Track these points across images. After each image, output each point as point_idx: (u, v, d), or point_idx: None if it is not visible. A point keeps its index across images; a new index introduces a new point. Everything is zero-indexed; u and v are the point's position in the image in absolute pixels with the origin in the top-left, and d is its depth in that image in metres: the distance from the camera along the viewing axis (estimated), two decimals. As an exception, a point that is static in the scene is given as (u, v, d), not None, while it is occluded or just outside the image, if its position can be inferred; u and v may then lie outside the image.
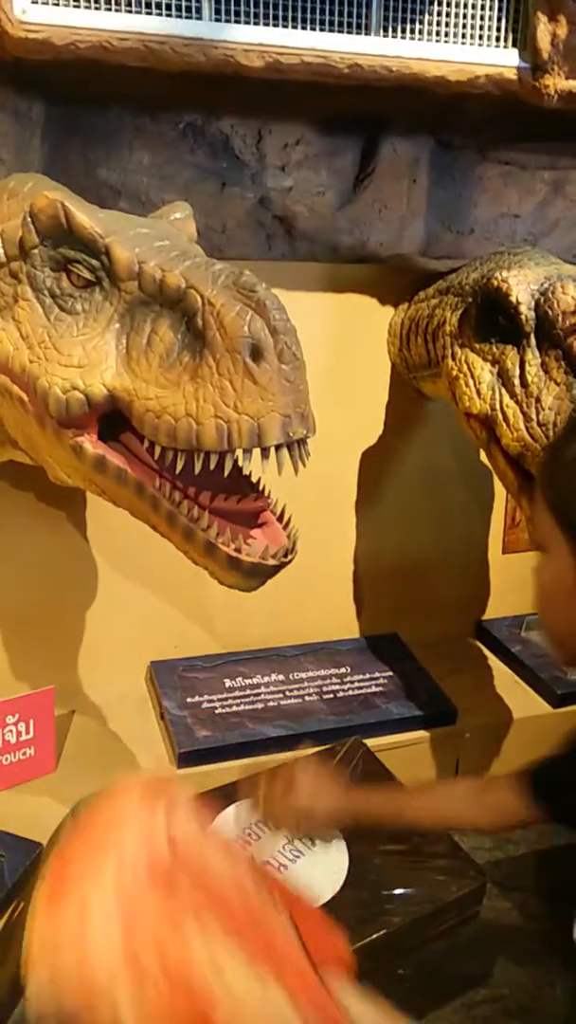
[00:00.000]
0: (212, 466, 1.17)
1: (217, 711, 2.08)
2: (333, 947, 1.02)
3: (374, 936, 1.37)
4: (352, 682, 2.25)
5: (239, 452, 1.16)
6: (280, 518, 1.31)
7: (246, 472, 1.29)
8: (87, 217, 1.27)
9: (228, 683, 2.19)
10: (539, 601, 1.23)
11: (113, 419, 1.28)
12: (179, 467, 1.19)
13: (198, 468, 1.17)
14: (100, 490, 1.37)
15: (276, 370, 1.12)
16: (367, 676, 2.28)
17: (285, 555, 1.25)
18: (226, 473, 1.19)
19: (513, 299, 1.66)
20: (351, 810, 1.50)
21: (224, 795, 1.70)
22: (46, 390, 1.26)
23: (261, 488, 1.32)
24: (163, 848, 0.87)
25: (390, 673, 2.29)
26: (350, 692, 2.20)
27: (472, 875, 1.56)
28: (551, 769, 1.41)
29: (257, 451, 1.16)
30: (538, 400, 1.63)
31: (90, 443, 1.28)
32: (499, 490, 2.48)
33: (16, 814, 1.76)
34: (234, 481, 1.27)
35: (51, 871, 0.88)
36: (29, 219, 1.30)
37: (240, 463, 1.21)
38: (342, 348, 2.24)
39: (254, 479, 1.32)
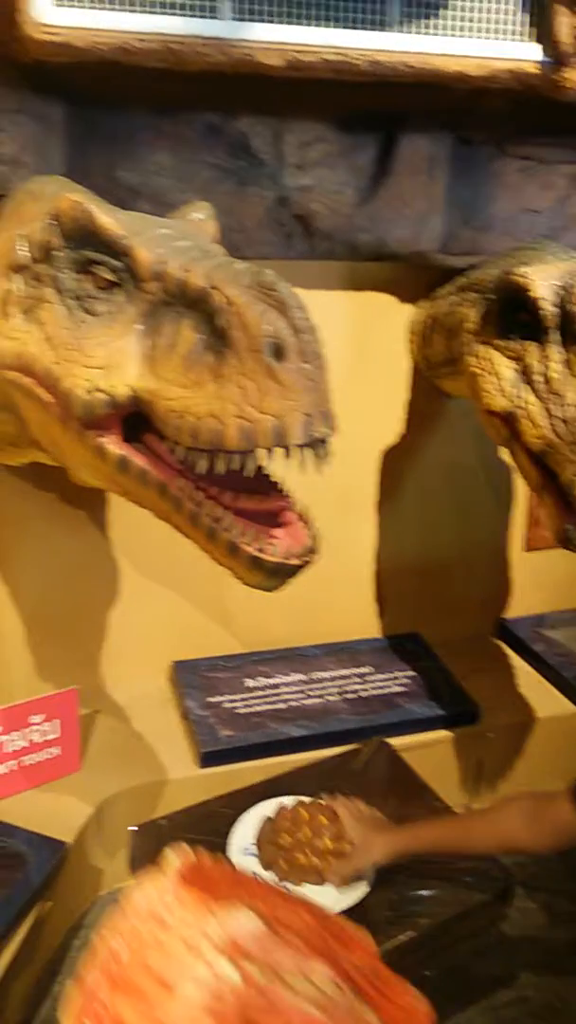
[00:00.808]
0: (235, 466, 1.17)
1: (239, 711, 2.08)
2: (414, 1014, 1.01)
3: (402, 938, 1.37)
4: (373, 682, 2.24)
5: (261, 452, 1.15)
6: (302, 518, 1.30)
7: (267, 472, 1.28)
8: (109, 218, 1.28)
9: (249, 683, 2.20)
10: None
11: (136, 420, 1.27)
12: (202, 467, 1.19)
13: (220, 468, 1.17)
14: (123, 491, 1.37)
15: (298, 369, 1.12)
16: (388, 676, 2.27)
17: (307, 555, 1.24)
18: (248, 473, 1.18)
19: (535, 295, 1.65)
20: (405, 850, 1.46)
21: (250, 795, 1.70)
22: (69, 391, 1.27)
23: (282, 488, 1.32)
24: (228, 972, 0.83)
25: (412, 673, 2.29)
26: (371, 692, 2.20)
27: (499, 877, 1.55)
28: None
29: (279, 451, 1.16)
30: (561, 396, 1.61)
31: (113, 444, 1.28)
32: (521, 487, 2.47)
33: (42, 813, 1.78)
34: (256, 481, 1.27)
35: (86, 989, 0.83)
36: (52, 221, 1.30)
37: (262, 463, 1.20)
38: (362, 346, 2.24)
39: (275, 479, 1.32)
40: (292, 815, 1.62)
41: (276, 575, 1.23)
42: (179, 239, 1.31)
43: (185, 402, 1.16)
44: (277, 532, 1.25)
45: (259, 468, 1.22)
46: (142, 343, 1.24)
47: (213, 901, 1.04)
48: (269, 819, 1.64)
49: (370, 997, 1.00)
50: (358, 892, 1.47)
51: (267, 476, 1.30)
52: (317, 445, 1.17)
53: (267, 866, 1.55)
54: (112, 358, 1.25)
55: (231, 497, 1.26)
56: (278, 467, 1.23)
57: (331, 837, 1.55)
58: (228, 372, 1.12)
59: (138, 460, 1.28)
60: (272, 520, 1.28)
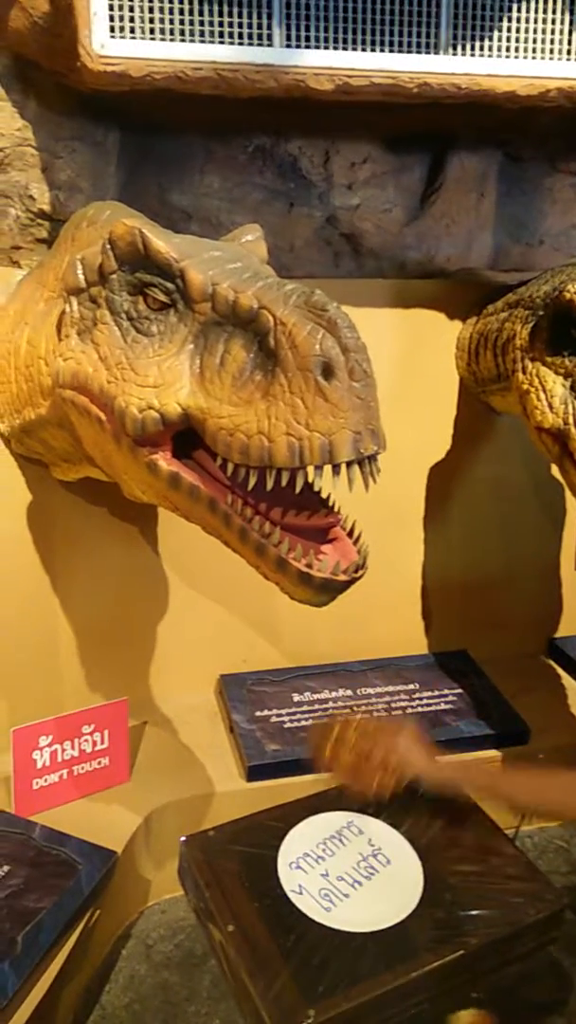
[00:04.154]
0: (284, 483, 1.19)
1: (286, 725, 2.09)
2: None
3: (450, 957, 1.35)
4: (421, 699, 2.22)
5: (310, 469, 1.17)
6: (350, 534, 1.31)
7: (316, 488, 1.30)
8: (163, 242, 1.31)
9: (296, 697, 2.20)
10: None
11: (186, 437, 1.31)
12: (251, 484, 1.21)
13: (270, 485, 1.19)
14: (173, 506, 1.40)
15: (347, 388, 1.13)
16: (436, 693, 2.25)
17: (356, 571, 1.25)
18: (297, 490, 1.20)
19: (586, 311, 1.64)
20: (452, 778, 1.52)
21: (300, 809, 1.70)
22: (123, 409, 1.30)
23: (331, 504, 1.33)
24: None
25: (459, 690, 2.26)
26: (419, 709, 2.18)
27: (550, 899, 1.53)
28: None
29: (328, 468, 1.17)
30: (613, 413, 1.60)
31: (164, 460, 1.31)
32: (571, 505, 2.44)
33: (91, 823, 1.80)
34: (304, 497, 1.28)
35: None
36: (108, 245, 1.35)
37: (311, 480, 1.22)
38: (410, 364, 2.24)
39: (324, 495, 1.33)
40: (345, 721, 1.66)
41: (324, 590, 1.24)
42: (230, 261, 1.34)
43: (235, 420, 1.18)
44: (325, 548, 1.27)
45: (308, 485, 1.24)
46: (194, 362, 1.27)
47: None
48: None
49: None
50: (406, 909, 1.46)
51: (316, 493, 1.31)
52: (366, 462, 1.17)
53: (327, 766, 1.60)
54: (164, 377, 1.28)
55: (280, 513, 1.27)
56: (327, 484, 1.23)
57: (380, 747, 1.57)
58: (278, 391, 1.14)
59: (188, 476, 1.30)
60: (321, 536, 1.30)
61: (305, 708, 2.16)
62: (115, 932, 1.82)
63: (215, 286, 1.25)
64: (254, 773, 1.94)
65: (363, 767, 1.56)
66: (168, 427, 1.28)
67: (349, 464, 1.16)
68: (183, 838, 1.62)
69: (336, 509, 1.33)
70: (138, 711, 2.06)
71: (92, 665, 2.14)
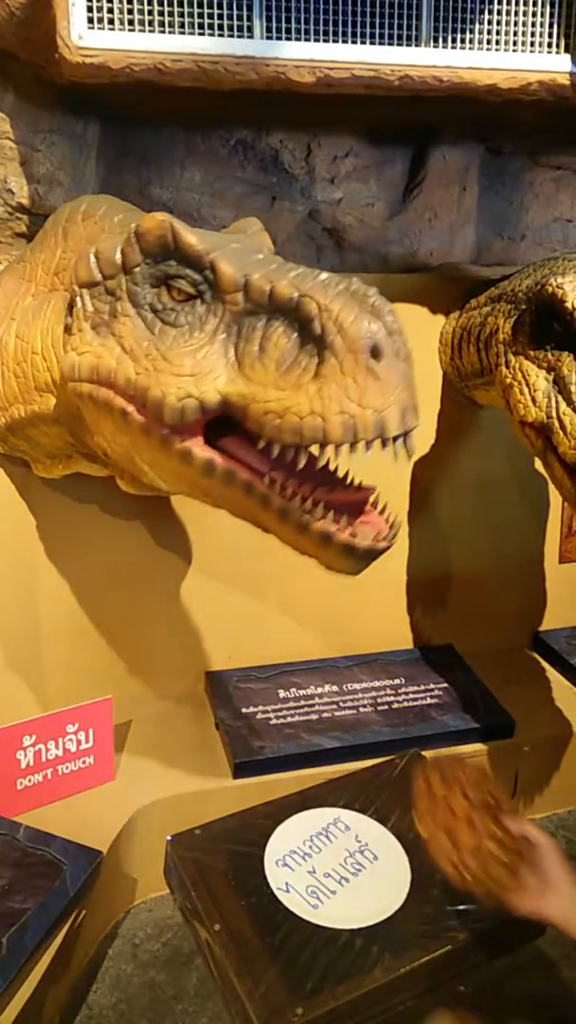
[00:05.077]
0: (321, 463, 1.29)
1: (272, 722, 2.08)
2: None
3: (438, 952, 1.36)
4: (407, 693, 2.23)
5: (330, 448, 1.23)
6: (377, 506, 1.38)
7: (335, 468, 1.37)
8: (192, 236, 1.34)
9: (282, 694, 2.20)
10: None
11: (210, 426, 1.34)
12: (301, 464, 1.26)
13: (301, 464, 1.26)
14: (205, 493, 1.43)
15: (394, 367, 1.20)
16: (422, 687, 2.26)
17: (392, 538, 1.33)
18: (332, 467, 1.31)
19: (569, 305, 1.64)
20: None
21: (286, 807, 1.69)
22: (160, 399, 1.32)
23: (358, 481, 1.39)
24: None
25: (445, 684, 2.27)
26: (405, 704, 2.19)
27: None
28: None
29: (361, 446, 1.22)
30: (597, 407, 1.60)
31: (199, 448, 1.34)
32: (555, 499, 2.44)
33: (76, 822, 1.79)
34: (327, 476, 1.36)
35: None
36: (134, 239, 1.36)
37: (330, 459, 1.30)
38: (393, 358, 2.23)
39: (346, 474, 1.39)
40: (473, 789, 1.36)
41: (367, 558, 1.31)
42: (252, 252, 1.40)
43: (285, 403, 1.23)
44: (362, 520, 1.33)
45: (326, 465, 1.33)
46: (228, 351, 1.31)
47: None
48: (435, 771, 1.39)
49: None
50: (393, 905, 1.46)
51: (332, 472, 1.37)
52: (406, 437, 1.24)
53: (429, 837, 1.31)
54: (200, 366, 1.31)
55: (313, 490, 1.32)
56: (344, 463, 1.30)
57: (507, 852, 1.29)
58: (328, 372, 1.20)
59: (224, 462, 1.34)
60: (351, 510, 1.35)
61: (291, 704, 2.16)
62: (101, 932, 1.81)
63: (248, 277, 1.29)
64: (240, 770, 1.93)
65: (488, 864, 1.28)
66: (206, 414, 1.31)
67: (395, 439, 1.22)
68: (169, 837, 1.61)
69: (366, 485, 1.39)
70: (123, 709, 2.05)
71: (76, 663, 2.12)
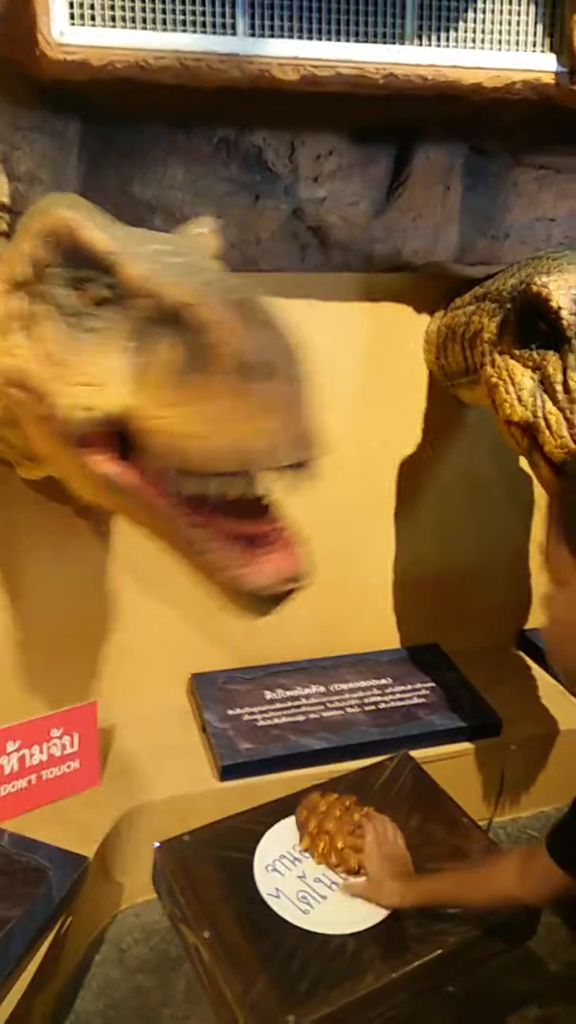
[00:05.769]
0: (224, 489, 1.14)
1: (258, 723, 2.07)
2: None
3: (429, 956, 1.35)
4: (394, 693, 2.23)
5: (251, 474, 1.13)
6: (293, 540, 1.25)
7: (260, 493, 1.23)
8: (97, 235, 1.26)
9: (269, 695, 2.19)
10: (551, 634, 1.18)
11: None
12: (186, 488, 1.16)
13: (208, 489, 1.14)
14: (115, 508, 1.36)
15: (271, 391, 1.08)
16: (409, 687, 2.26)
17: (295, 580, 1.20)
18: (232, 496, 1.15)
19: (554, 304, 1.64)
20: (411, 904, 1.45)
21: (274, 811, 1.69)
22: (59, 408, 1.26)
23: (275, 509, 1.27)
24: None
25: (432, 684, 2.27)
26: (392, 704, 2.19)
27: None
28: (564, 833, 1.31)
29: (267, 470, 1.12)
30: (582, 406, 1.60)
31: (104, 462, 1.27)
32: (540, 497, 2.45)
33: (62, 828, 1.77)
34: (250, 502, 1.22)
35: None
36: (47, 239, 1.30)
37: (252, 485, 1.16)
38: (378, 357, 2.23)
39: (268, 500, 1.26)
40: (332, 801, 1.66)
41: (262, 602, 1.20)
42: (172, 255, 1.28)
43: (161, 422, 1.13)
44: (266, 556, 1.21)
45: (252, 489, 1.18)
46: (132, 360, 1.21)
47: None
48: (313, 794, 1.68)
49: None
50: (383, 909, 1.46)
51: (259, 498, 1.24)
52: (299, 467, 1.11)
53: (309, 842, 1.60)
54: (102, 375, 1.23)
55: (221, 519, 1.22)
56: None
57: (351, 847, 1.56)
58: (206, 392, 1.09)
59: (128, 478, 1.26)
60: (264, 542, 1.24)
61: (277, 705, 2.15)
62: (88, 937, 1.80)
63: (150, 281, 1.20)
64: (227, 772, 1.93)
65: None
66: (105, 427, 1.23)
67: (287, 468, 1.10)
68: (157, 844, 1.60)
69: (279, 515, 1.26)
70: (108, 713, 2.03)
71: (60, 667, 2.10)
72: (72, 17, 1.52)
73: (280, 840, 1.61)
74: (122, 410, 1.20)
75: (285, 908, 1.45)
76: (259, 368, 1.07)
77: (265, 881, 1.51)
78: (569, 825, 1.30)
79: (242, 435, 1.08)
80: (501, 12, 1.71)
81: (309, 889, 1.50)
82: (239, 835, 1.61)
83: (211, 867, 1.53)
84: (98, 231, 1.28)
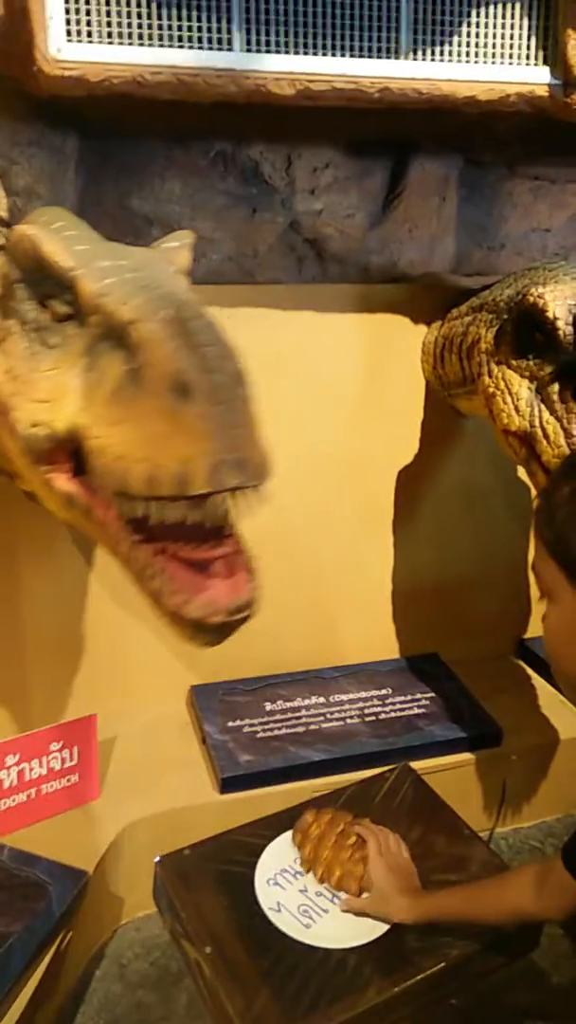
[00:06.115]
0: (157, 513, 1.09)
1: (258, 735, 2.07)
2: None
3: (432, 970, 1.34)
4: (393, 704, 2.22)
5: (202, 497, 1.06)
6: (246, 567, 1.19)
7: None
8: (58, 250, 1.25)
9: (269, 706, 2.18)
10: (551, 650, 1.17)
11: None
12: (125, 510, 1.13)
13: (134, 513, 1.11)
14: (76, 526, 1.35)
15: (206, 412, 1.02)
16: (408, 697, 2.25)
17: (241, 611, 1.15)
18: (168, 521, 1.09)
19: (550, 315, 1.65)
20: (419, 919, 1.42)
21: (276, 824, 1.68)
22: (14, 425, 1.26)
23: (229, 535, 1.21)
24: None
25: (432, 694, 2.27)
26: (392, 714, 2.18)
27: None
28: None
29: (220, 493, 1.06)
30: (578, 415, 1.61)
31: (60, 479, 1.26)
32: (537, 506, 2.45)
33: (62, 842, 1.76)
34: (206, 527, 1.16)
35: None
36: (8, 255, 1.30)
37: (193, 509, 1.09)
38: (376, 368, 2.24)
39: (224, 524, 1.19)
40: (326, 824, 1.63)
41: (200, 631, 1.16)
42: (132, 270, 1.24)
43: (102, 441, 1.12)
44: (212, 585, 1.17)
45: (195, 514, 1.10)
46: (83, 377, 1.19)
47: None
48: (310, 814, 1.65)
49: None
50: (385, 924, 1.45)
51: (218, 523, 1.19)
52: (241, 491, 1.06)
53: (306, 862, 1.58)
54: (55, 392, 1.22)
55: (171, 543, 1.18)
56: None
57: (349, 873, 1.53)
58: (139, 412, 1.06)
59: (82, 497, 1.24)
60: (216, 569, 1.20)
61: (277, 717, 2.14)
62: (88, 953, 1.78)
63: (101, 297, 1.18)
64: (227, 785, 1.92)
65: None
66: (59, 444, 1.22)
67: (231, 491, 1.05)
68: (157, 859, 1.59)
69: (235, 539, 1.21)
70: (108, 726, 2.02)
71: (59, 680, 2.10)
72: (69, 34, 1.53)
73: (281, 853, 1.60)
74: (72, 428, 1.19)
75: (287, 922, 1.44)
76: (192, 388, 1.02)
77: (266, 895, 1.50)
78: None
79: (174, 458, 1.03)
80: (495, 26, 1.73)
81: (311, 903, 1.49)
82: (240, 849, 1.60)
83: (212, 881, 1.52)
84: (60, 246, 1.26)
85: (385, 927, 1.43)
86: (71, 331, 1.25)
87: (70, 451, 1.23)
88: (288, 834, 1.64)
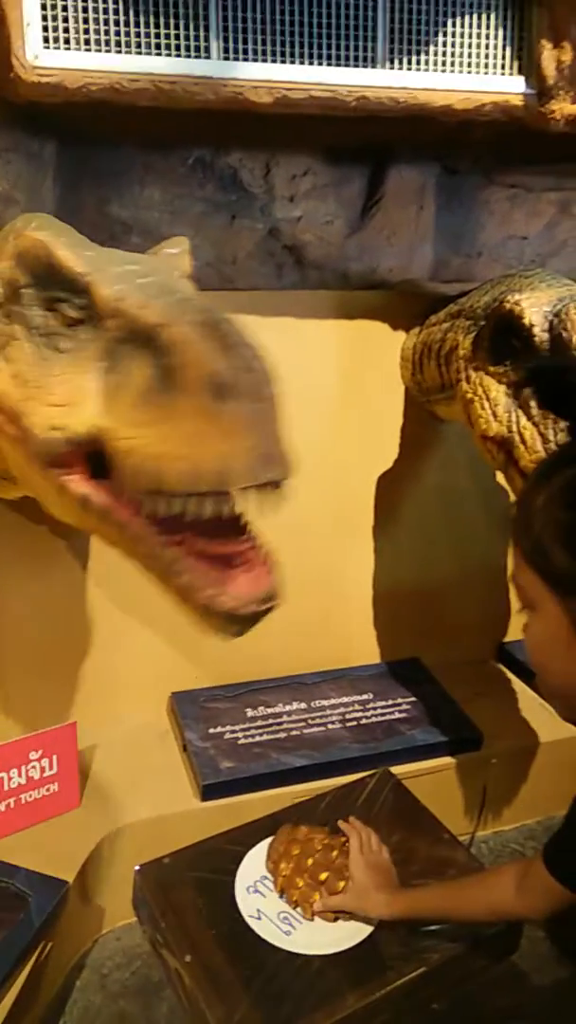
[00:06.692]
0: (192, 509, 1.13)
1: (240, 741, 2.06)
2: None
3: (412, 975, 1.35)
4: (375, 709, 2.23)
5: (225, 495, 1.12)
6: (266, 561, 1.25)
7: (235, 513, 1.23)
8: (70, 255, 1.27)
9: (250, 712, 2.18)
10: (534, 660, 1.16)
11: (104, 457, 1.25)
12: (158, 509, 1.15)
13: (172, 510, 1.13)
14: (89, 528, 1.36)
15: (242, 411, 1.08)
16: (390, 702, 2.26)
17: (266, 602, 1.21)
18: (202, 516, 1.14)
19: (526, 321, 1.66)
20: (400, 916, 1.43)
21: (256, 831, 1.67)
22: (29, 429, 1.27)
23: (248, 529, 1.27)
24: None
25: (413, 699, 2.27)
26: (373, 719, 2.18)
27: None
28: (562, 848, 1.29)
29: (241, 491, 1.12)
30: (556, 420, 1.62)
31: (75, 482, 1.27)
32: (516, 511, 2.47)
33: (41, 852, 1.75)
34: (223, 522, 1.21)
35: None
36: (16, 260, 1.30)
37: (224, 505, 1.16)
38: (355, 374, 2.25)
39: (243, 520, 1.27)
40: (301, 841, 1.61)
41: (231, 622, 1.20)
42: (142, 275, 1.28)
43: (133, 442, 1.14)
44: (237, 577, 1.22)
45: (224, 509, 1.17)
46: (102, 381, 1.22)
47: None
48: (282, 834, 1.64)
49: None
50: (366, 928, 1.45)
51: (235, 517, 1.25)
52: (268, 487, 1.12)
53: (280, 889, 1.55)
54: (72, 396, 1.23)
55: (192, 539, 1.22)
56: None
57: (333, 871, 1.53)
58: (174, 412, 1.10)
59: (100, 498, 1.26)
60: (240, 561, 1.24)
61: (259, 723, 2.14)
62: (68, 963, 1.77)
63: (120, 302, 1.21)
64: (209, 792, 1.91)
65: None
66: (76, 448, 1.24)
67: (256, 488, 1.11)
68: (137, 867, 1.58)
69: (252, 535, 1.27)
70: (87, 734, 2.01)
71: (38, 688, 2.08)
72: (47, 40, 1.53)
73: (261, 861, 1.60)
74: (94, 430, 1.21)
75: (267, 930, 1.44)
76: (230, 388, 1.08)
77: (246, 903, 1.50)
78: (567, 840, 1.29)
79: (214, 455, 1.08)
80: (470, 36, 1.75)
81: (290, 910, 1.49)
82: (220, 856, 1.60)
83: (192, 890, 1.52)
84: (71, 252, 1.28)
85: (365, 933, 1.43)
86: (84, 335, 1.26)
87: (86, 454, 1.25)
88: (268, 841, 1.64)
